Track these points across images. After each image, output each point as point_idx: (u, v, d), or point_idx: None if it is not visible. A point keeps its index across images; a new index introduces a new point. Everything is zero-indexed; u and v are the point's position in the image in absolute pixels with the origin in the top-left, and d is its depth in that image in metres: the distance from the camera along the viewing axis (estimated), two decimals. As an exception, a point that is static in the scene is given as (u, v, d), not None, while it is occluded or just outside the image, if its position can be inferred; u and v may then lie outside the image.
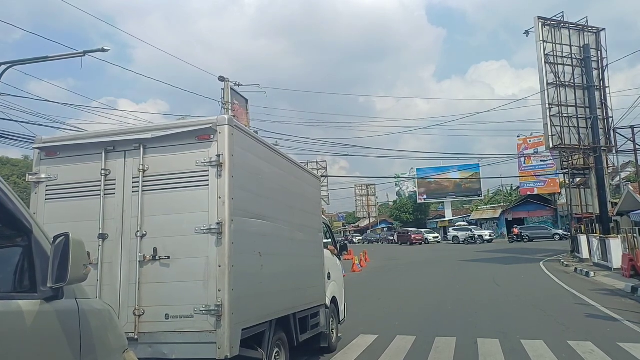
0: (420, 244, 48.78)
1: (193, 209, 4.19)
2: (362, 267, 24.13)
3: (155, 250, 4.21)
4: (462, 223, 56.33)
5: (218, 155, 4.19)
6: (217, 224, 4.07)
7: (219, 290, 3.99)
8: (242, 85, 24.76)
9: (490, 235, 47.16)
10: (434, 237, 53.48)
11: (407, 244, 48.84)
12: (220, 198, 4.14)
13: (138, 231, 4.29)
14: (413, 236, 50.38)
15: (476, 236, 46.96)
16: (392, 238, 61.26)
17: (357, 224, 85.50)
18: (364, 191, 75.47)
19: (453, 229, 51.85)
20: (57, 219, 4.41)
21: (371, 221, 77.58)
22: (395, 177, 72.39)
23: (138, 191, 4.37)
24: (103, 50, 13.30)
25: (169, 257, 4.18)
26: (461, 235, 48.23)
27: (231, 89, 23.70)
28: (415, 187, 67.77)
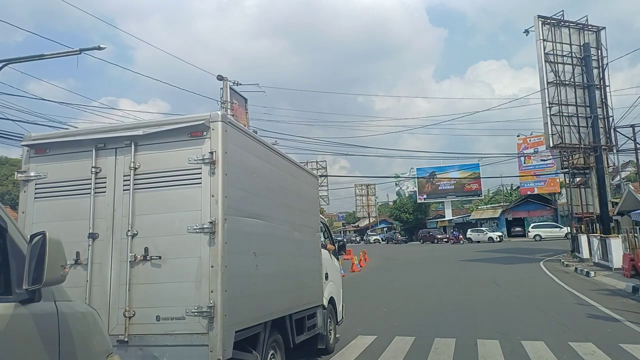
0: None
1: (185, 207, 4.08)
2: (361, 267, 24.04)
3: (146, 250, 4.10)
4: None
5: (211, 153, 4.08)
6: (210, 223, 3.96)
7: (212, 291, 3.88)
8: (241, 84, 24.61)
9: None
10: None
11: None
12: (213, 196, 4.02)
13: (129, 230, 4.17)
14: None
15: None
16: (440, 236, 52.01)
17: (356, 224, 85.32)
18: (363, 191, 75.22)
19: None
20: (47, 218, 4.33)
21: (371, 221, 77.40)
22: (395, 177, 72.25)
23: (129, 189, 4.26)
24: (99, 49, 13.15)
25: (160, 257, 4.07)
26: None
27: (230, 88, 23.54)
28: (415, 186, 67.55)
